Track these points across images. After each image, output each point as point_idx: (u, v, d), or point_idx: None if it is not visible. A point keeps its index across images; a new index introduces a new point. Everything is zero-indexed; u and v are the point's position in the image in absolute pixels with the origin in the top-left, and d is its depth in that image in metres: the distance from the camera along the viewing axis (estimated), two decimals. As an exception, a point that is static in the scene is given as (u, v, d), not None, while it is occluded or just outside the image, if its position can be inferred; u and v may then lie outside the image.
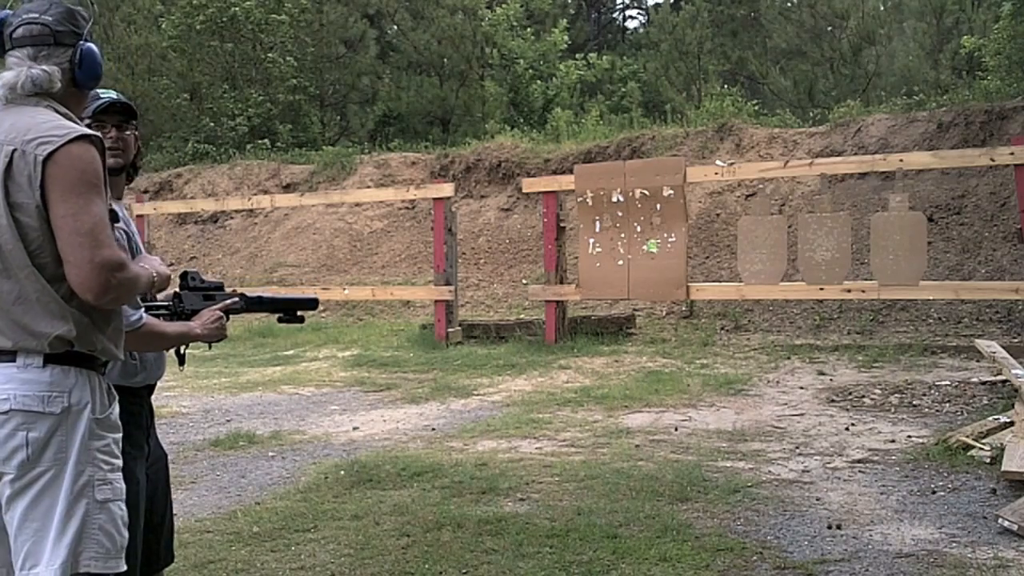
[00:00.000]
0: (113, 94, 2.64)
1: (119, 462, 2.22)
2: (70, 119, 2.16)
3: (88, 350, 2.15)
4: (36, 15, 2.18)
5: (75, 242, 2.01)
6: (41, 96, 2.15)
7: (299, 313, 2.88)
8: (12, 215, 2.04)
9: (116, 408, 2.26)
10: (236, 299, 2.73)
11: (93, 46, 2.22)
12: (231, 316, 2.72)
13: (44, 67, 2.14)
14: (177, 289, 2.70)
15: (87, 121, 2.44)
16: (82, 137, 2.07)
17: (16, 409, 2.06)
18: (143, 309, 2.50)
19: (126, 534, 2.20)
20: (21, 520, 2.08)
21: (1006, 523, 3.92)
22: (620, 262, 9.81)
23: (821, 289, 9.07)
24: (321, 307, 12.98)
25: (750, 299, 10.20)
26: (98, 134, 2.13)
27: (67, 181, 2.03)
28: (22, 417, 2.06)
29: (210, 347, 2.79)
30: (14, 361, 2.09)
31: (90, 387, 2.16)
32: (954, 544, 3.83)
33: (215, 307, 2.65)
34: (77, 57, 2.18)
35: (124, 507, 2.20)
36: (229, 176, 16.51)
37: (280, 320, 2.90)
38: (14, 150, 2.04)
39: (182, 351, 2.68)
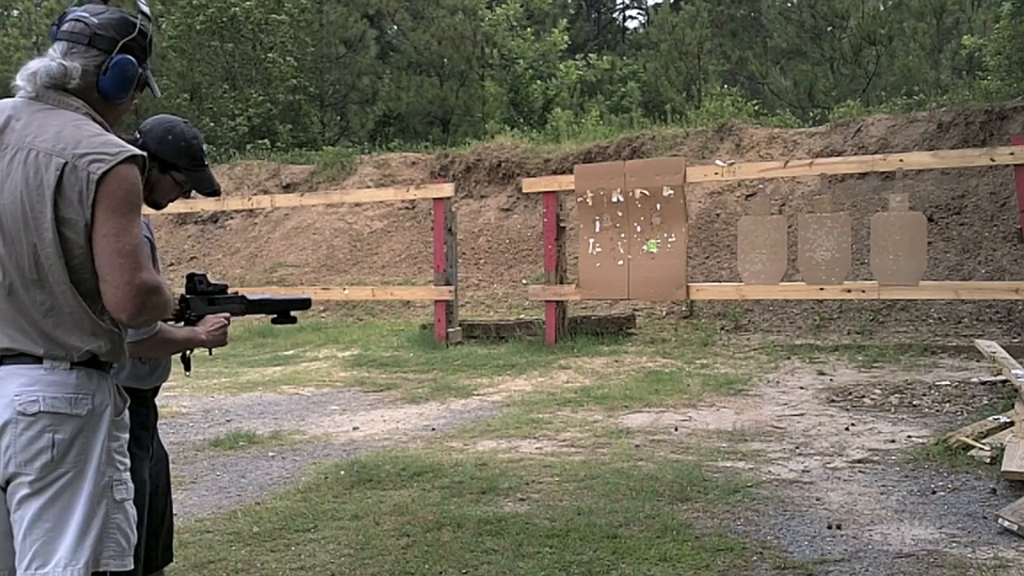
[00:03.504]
0: None
1: (128, 461, 2.26)
2: (107, 129, 2.16)
3: (113, 361, 2.21)
4: (86, 15, 2.19)
5: (116, 263, 2.02)
6: (67, 95, 2.14)
7: (292, 314, 2.92)
8: (59, 230, 2.04)
9: (127, 409, 2.31)
10: (239, 303, 2.77)
11: (130, 59, 2.19)
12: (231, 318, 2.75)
13: (64, 62, 2.12)
14: (183, 292, 2.72)
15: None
16: (131, 158, 2.07)
17: (45, 411, 2.08)
18: None
19: (136, 532, 2.24)
20: (33, 520, 2.08)
21: (1006, 523, 3.92)
22: (620, 262, 9.81)
23: (821, 289, 9.07)
24: (321, 307, 12.99)
25: (750, 299, 10.20)
26: (143, 153, 2.12)
27: (113, 201, 2.03)
28: (50, 419, 2.08)
29: (210, 352, 2.81)
30: (41, 364, 2.10)
31: (108, 389, 2.20)
32: (954, 544, 3.83)
33: (220, 314, 2.69)
34: (106, 64, 2.16)
35: (134, 506, 2.25)
36: (229, 176, 16.51)
37: (274, 321, 2.93)
38: (65, 164, 2.03)
39: (187, 355, 2.72)
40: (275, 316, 2.92)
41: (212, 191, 2.77)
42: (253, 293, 2.89)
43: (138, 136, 2.66)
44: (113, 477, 2.16)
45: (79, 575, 2.07)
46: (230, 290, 2.80)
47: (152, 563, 2.72)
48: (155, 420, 2.76)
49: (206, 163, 2.77)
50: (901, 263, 8.65)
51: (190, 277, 2.71)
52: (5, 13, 25.17)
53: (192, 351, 2.69)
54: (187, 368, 2.75)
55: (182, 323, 2.69)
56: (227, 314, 2.72)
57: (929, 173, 11.45)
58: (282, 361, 10.13)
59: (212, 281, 2.75)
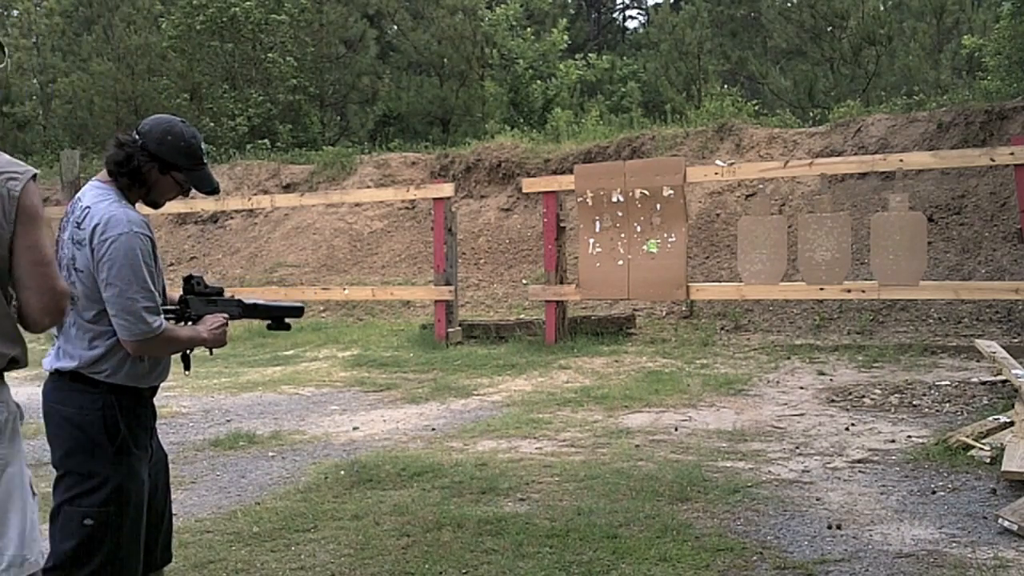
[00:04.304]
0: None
1: None
2: None
3: (24, 366, 2.28)
4: None
5: (39, 271, 2.15)
6: None
7: (286, 320, 2.94)
8: None
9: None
10: (236, 306, 2.80)
11: None
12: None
13: None
14: (182, 293, 2.74)
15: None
16: (34, 176, 2.21)
17: None
18: (162, 315, 2.56)
19: None
20: None
21: (1006, 523, 3.92)
22: (620, 262, 9.81)
23: (821, 289, 9.07)
24: (321, 307, 12.99)
25: (750, 299, 10.19)
26: (37, 171, 2.26)
27: (30, 215, 2.17)
28: None
29: (211, 352, 2.83)
30: None
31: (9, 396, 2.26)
32: (954, 544, 3.83)
33: (219, 314, 2.71)
34: None
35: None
36: (229, 176, 16.51)
37: (269, 327, 2.95)
38: None
39: (187, 355, 2.74)
40: (270, 322, 2.94)
41: (212, 189, 2.78)
42: (249, 297, 2.91)
43: (136, 137, 2.66)
44: (30, 476, 2.23)
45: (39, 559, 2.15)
46: (227, 292, 2.82)
47: (151, 563, 2.72)
48: (153, 420, 2.76)
49: (205, 162, 2.78)
50: (901, 263, 8.65)
51: (187, 279, 2.73)
52: (5, 13, 25.18)
53: (192, 350, 2.71)
54: (187, 367, 2.77)
55: (183, 323, 2.70)
56: (226, 315, 2.74)
57: (929, 173, 11.46)
58: (282, 361, 10.14)
59: (209, 283, 2.77)
